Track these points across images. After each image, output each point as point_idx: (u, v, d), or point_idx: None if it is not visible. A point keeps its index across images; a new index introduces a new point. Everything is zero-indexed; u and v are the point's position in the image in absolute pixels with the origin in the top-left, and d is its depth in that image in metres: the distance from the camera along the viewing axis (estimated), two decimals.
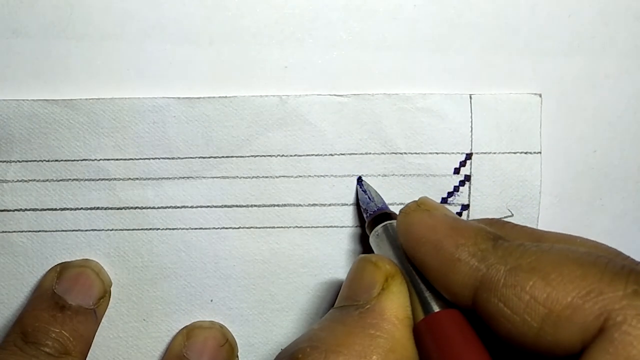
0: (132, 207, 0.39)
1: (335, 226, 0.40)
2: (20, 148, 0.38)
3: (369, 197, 0.38)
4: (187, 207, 0.39)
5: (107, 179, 0.39)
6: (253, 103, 0.38)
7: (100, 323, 0.39)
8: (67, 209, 0.39)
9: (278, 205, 0.39)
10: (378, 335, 0.27)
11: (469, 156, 0.39)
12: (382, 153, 0.39)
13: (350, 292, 0.30)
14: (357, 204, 0.39)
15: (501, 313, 0.25)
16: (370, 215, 0.36)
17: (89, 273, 0.38)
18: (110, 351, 0.40)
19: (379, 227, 0.35)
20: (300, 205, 0.39)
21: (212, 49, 0.38)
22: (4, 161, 0.38)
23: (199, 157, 0.39)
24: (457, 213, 0.40)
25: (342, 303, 0.30)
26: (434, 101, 0.39)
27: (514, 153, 0.39)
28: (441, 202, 0.40)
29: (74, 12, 0.38)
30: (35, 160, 0.38)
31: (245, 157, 0.39)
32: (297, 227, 0.39)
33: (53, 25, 0.38)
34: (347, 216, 0.40)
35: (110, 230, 0.39)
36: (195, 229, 0.39)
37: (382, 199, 0.38)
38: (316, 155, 0.39)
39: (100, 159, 0.39)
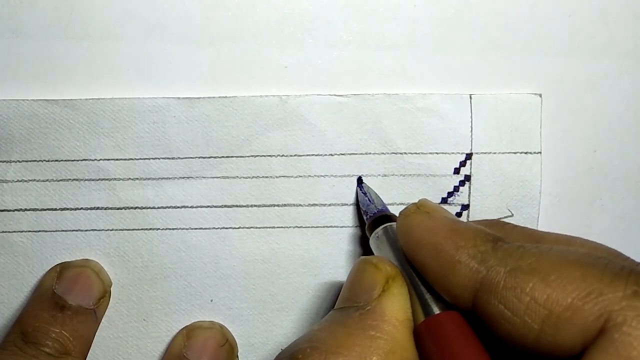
0: (132, 207, 0.39)
1: (335, 226, 0.40)
2: (20, 148, 0.38)
3: (369, 199, 0.38)
4: (187, 207, 0.39)
5: (107, 179, 0.39)
6: (253, 103, 0.38)
7: (100, 323, 0.39)
8: (67, 209, 0.39)
9: (278, 205, 0.39)
10: (378, 336, 0.27)
11: (469, 156, 0.39)
12: (382, 153, 0.39)
13: (350, 294, 0.30)
14: (357, 205, 0.39)
15: (501, 315, 0.25)
16: (370, 218, 0.36)
17: (89, 273, 0.38)
18: (110, 351, 0.40)
19: (379, 229, 0.35)
20: (300, 205, 0.39)
21: (212, 49, 0.38)
22: (4, 161, 0.38)
23: (199, 157, 0.39)
24: (457, 213, 0.40)
25: (342, 304, 0.30)
26: (434, 101, 0.39)
27: (514, 153, 0.39)
28: (441, 202, 0.40)
29: (74, 12, 0.38)
30: (35, 160, 0.38)
31: (245, 157, 0.39)
32: (297, 227, 0.39)
33: (53, 25, 0.38)
34: (347, 216, 0.40)
35: (110, 230, 0.39)
36: (195, 229, 0.39)
37: (382, 201, 0.38)
38: (316, 155, 0.39)
39: (100, 159, 0.39)
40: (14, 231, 0.39)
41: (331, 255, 0.40)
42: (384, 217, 0.36)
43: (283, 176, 0.39)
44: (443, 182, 0.40)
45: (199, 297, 0.40)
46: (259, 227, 0.39)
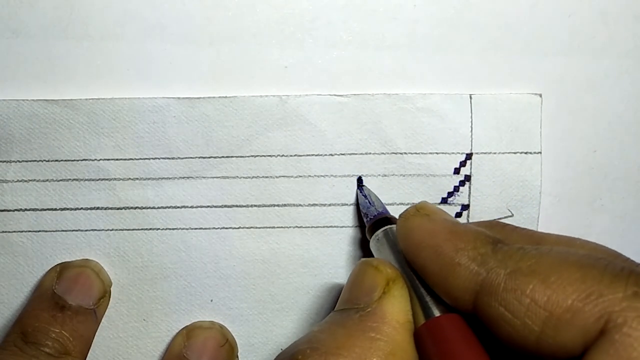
0: (132, 207, 0.39)
1: (335, 226, 0.40)
2: (20, 148, 0.38)
3: (369, 202, 0.38)
4: (187, 207, 0.39)
5: (107, 179, 0.39)
6: (253, 103, 0.38)
7: (100, 323, 0.39)
8: (67, 209, 0.39)
9: (278, 205, 0.39)
10: (378, 338, 0.27)
11: (469, 156, 0.39)
12: (382, 153, 0.39)
13: (351, 296, 0.30)
14: (358, 207, 0.39)
15: (502, 317, 0.25)
16: (370, 220, 0.36)
17: (89, 273, 0.38)
18: (110, 351, 0.40)
19: (379, 232, 0.35)
20: (300, 205, 0.39)
21: (212, 49, 0.38)
22: (4, 161, 0.38)
23: (199, 157, 0.39)
24: (457, 213, 0.40)
25: (342, 306, 0.30)
26: (434, 101, 0.39)
27: (514, 153, 0.39)
28: (441, 202, 0.40)
29: (74, 12, 0.38)
30: (35, 160, 0.38)
31: (245, 157, 0.39)
32: (297, 227, 0.39)
33: (53, 25, 0.38)
34: (347, 216, 0.40)
35: (110, 230, 0.39)
36: (195, 229, 0.39)
37: (382, 203, 0.38)
38: (316, 155, 0.39)
39: (100, 159, 0.39)
40: (14, 231, 0.39)
41: (331, 255, 0.40)
42: (384, 219, 0.36)
43: (283, 176, 0.39)
44: (443, 182, 0.40)
45: (199, 297, 0.40)
46: (259, 227, 0.39)
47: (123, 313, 0.40)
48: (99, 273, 0.39)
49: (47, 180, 0.39)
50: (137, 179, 0.39)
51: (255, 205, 0.39)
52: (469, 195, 0.40)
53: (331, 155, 0.39)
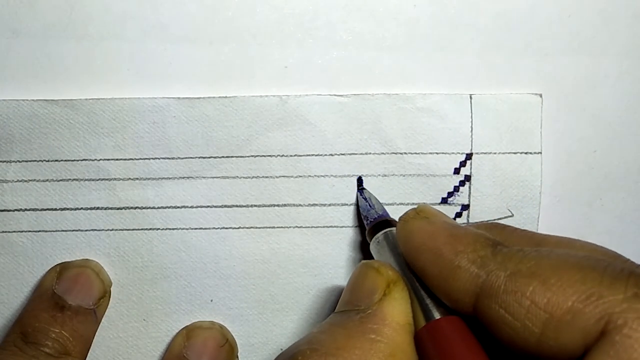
0: (132, 207, 0.39)
1: (335, 226, 0.40)
2: (20, 148, 0.38)
3: (369, 205, 0.38)
4: (187, 207, 0.39)
5: (107, 179, 0.39)
6: (253, 103, 0.38)
7: (100, 323, 0.39)
8: (67, 209, 0.39)
9: (278, 205, 0.39)
10: (378, 340, 0.27)
11: (469, 156, 0.39)
12: (382, 153, 0.39)
13: (351, 297, 0.30)
14: (358, 209, 0.39)
15: (502, 319, 0.25)
16: (370, 223, 0.36)
17: (89, 273, 0.38)
18: (110, 351, 0.40)
19: (379, 235, 0.35)
20: (300, 205, 0.39)
21: (212, 49, 0.38)
22: (4, 161, 0.38)
23: (199, 157, 0.39)
24: (457, 213, 0.40)
25: (343, 308, 0.30)
26: (434, 101, 0.39)
27: (514, 153, 0.39)
28: (441, 202, 0.40)
29: (74, 12, 0.38)
30: (35, 160, 0.38)
31: (245, 157, 0.39)
32: (297, 227, 0.39)
33: (53, 25, 0.38)
34: (347, 216, 0.40)
35: (110, 230, 0.39)
36: (195, 229, 0.39)
37: (382, 206, 0.38)
38: (316, 155, 0.39)
39: (100, 159, 0.39)
40: (14, 231, 0.39)
41: (331, 255, 0.40)
42: (384, 222, 0.36)
43: (283, 176, 0.39)
44: (443, 182, 0.40)
45: (199, 297, 0.40)
46: (259, 227, 0.39)
47: (123, 313, 0.40)
48: (99, 273, 0.39)
49: (47, 180, 0.39)
50: (137, 179, 0.39)
51: (255, 205, 0.39)
52: (469, 195, 0.40)
53: (331, 155, 0.39)
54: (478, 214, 0.40)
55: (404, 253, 0.31)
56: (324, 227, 0.40)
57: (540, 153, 0.39)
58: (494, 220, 0.40)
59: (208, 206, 0.39)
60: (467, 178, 0.39)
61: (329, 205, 0.39)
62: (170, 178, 0.39)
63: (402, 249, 0.31)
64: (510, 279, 0.25)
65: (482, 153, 0.39)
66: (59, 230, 0.39)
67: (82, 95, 0.38)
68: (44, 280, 0.38)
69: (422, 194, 0.40)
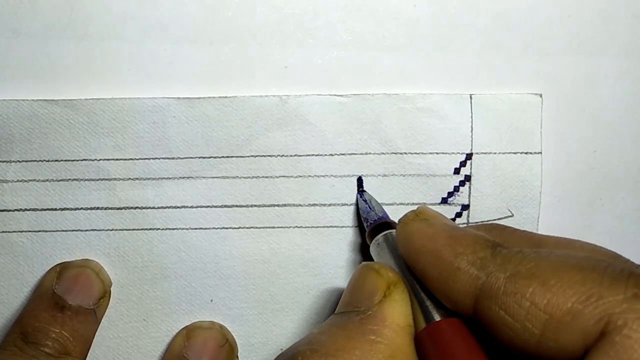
0: (132, 207, 0.39)
1: (335, 226, 0.40)
2: (20, 148, 0.38)
3: (369, 207, 0.38)
4: (187, 207, 0.39)
5: (107, 179, 0.39)
6: (253, 103, 0.38)
7: (100, 323, 0.39)
8: (67, 209, 0.39)
9: (278, 205, 0.39)
10: (378, 341, 0.27)
11: (469, 156, 0.39)
12: (382, 153, 0.39)
13: (351, 299, 0.30)
14: (358, 211, 0.39)
15: (502, 321, 0.25)
16: (370, 225, 0.36)
17: (89, 273, 0.38)
18: (110, 351, 0.40)
19: (379, 237, 0.35)
20: (300, 205, 0.39)
21: (212, 49, 0.38)
22: (4, 161, 0.38)
23: (199, 157, 0.39)
24: (457, 213, 0.40)
25: (343, 309, 0.30)
26: (434, 101, 0.39)
27: (514, 153, 0.39)
28: (441, 202, 0.40)
29: (74, 12, 0.38)
30: (35, 160, 0.38)
31: (245, 157, 0.39)
32: (297, 227, 0.39)
33: (53, 25, 0.38)
34: (347, 216, 0.40)
35: (110, 230, 0.39)
36: (195, 229, 0.39)
37: (382, 208, 0.38)
38: (316, 155, 0.39)
39: (100, 159, 0.39)
40: (14, 231, 0.39)
41: (331, 255, 0.40)
42: (384, 224, 0.36)
43: (283, 176, 0.39)
44: (443, 182, 0.40)
45: (199, 297, 0.40)
46: (259, 227, 0.39)
47: (123, 313, 0.40)
48: (99, 273, 0.39)
49: (47, 180, 0.39)
50: (137, 179, 0.39)
51: (255, 205, 0.39)
52: (469, 195, 0.40)
53: (331, 155, 0.39)
54: (478, 214, 0.40)
55: (404, 255, 0.31)
56: (324, 227, 0.40)
57: (540, 153, 0.39)
58: (494, 220, 0.40)
59: (208, 206, 0.39)
60: (467, 178, 0.39)
61: (329, 205, 0.39)
62: (170, 178, 0.39)
63: (402, 251, 0.31)
64: (509, 281, 0.25)
65: (482, 153, 0.39)
66: (59, 230, 0.39)
67: (82, 95, 0.38)
68: (44, 280, 0.38)
69: (422, 194, 0.40)
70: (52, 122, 0.38)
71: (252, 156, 0.39)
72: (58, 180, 0.39)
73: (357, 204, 0.39)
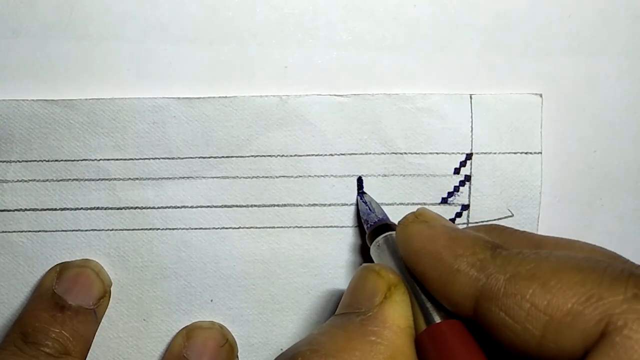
0: (132, 207, 0.39)
1: (335, 226, 0.40)
2: (20, 148, 0.38)
3: (369, 209, 0.38)
4: (187, 207, 0.39)
5: (107, 179, 0.39)
6: (253, 103, 0.38)
7: (100, 323, 0.39)
8: (67, 209, 0.39)
9: (278, 205, 0.39)
10: (379, 342, 0.27)
11: (469, 156, 0.39)
12: (382, 153, 0.39)
13: (352, 300, 0.30)
14: (358, 213, 0.39)
15: (503, 322, 0.25)
16: (371, 227, 0.36)
17: (89, 273, 0.38)
18: (110, 351, 0.40)
19: (379, 238, 0.35)
20: (300, 205, 0.39)
21: (212, 49, 0.38)
22: (4, 161, 0.38)
23: (199, 157, 0.39)
24: (457, 213, 0.40)
25: (343, 310, 0.30)
26: (434, 101, 0.39)
27: (515, 153, 0.39)
28: (441, 202, 0.40)
29: (74, 12, 0.38)
30: (35, 160, 0.38)
31: (245, 157, 0.39)
32: (297, 227, 0.39)
33: (53, 25, 0.38)
34: (347, 216, 0.40)
35: (110, 230, 0.39)
36: (195, 229, 0.39)
37: (382, 210, 0.38)
38: (316, 155, 0.39)
39: (100, 159, 0.39)
40: (14, 231, 0.39)
41: (331, 255, 0.40)
42: (384, 226, 0.36)
43: (283, 176, 0.39)
44: (443, 182, 0.40)
45: (199, 297, 0.40)
46: (259, 227, 0.39)
47: (123, 313, 0.40)
48: (99, 273, 0.39)
49: (47, 180, 0.39)
50: (137, 179, 0.39)
51: (255, 205, 0.39)
52: (469, 196, 0.40)
53: (331, 155, 0.39)
54: (478, 214, 0.40)
55: (404, 257, 0.31)
56: (324, 227, 0.40)
57: (540, 153, 0.39)
58: (494, 220, 0.40)
59: (208, 206, 0.39)
60: (467, 178, 0.39)
61: (329, 205, 0.39)
62: (170, 178, 0.39)
63: (402, 253, 0.31)
64: (509, 282, 0.25)
65: (482, 153, 0.39)
66: (59, 230, 0.39)
67: (82, 95, 0.38)
68: (44, 280, 0.38)
69: (422, 194, 0.40)
70: (52, 122, 0.38)
71: (252, 156, 0.39)
72: (58, 180, 0.39)
73: (357, 206, 0.39)
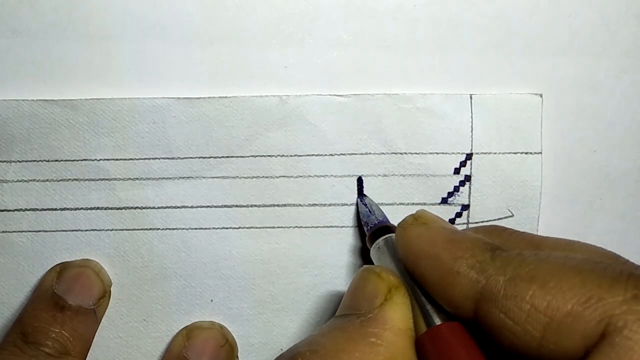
0: (132, 207, 0.39)
1: (335, 226, 0.40)
2: (20, 148, 0.38)
3: (369, 211, 0.38)
4: (187, 207, 0.39)
5: (107, 179, 0.39)
6: (253, 103, 0.38)
7: (100, 323, 0.39)
8: (67, 209, 0.39)
9: (278, 205, 0.39)
10: (379, 343, 0.27)
11: (469, 156, 0.39)
12: (382, 153, 0.39)
13: (352, 302, 0.30)
14: (358, 217, 0.39)
15: (503, 324, 0.25)
16: (371, 229, 0.36)
17: (89, 273, 0.38)
18: (110, 351, 0.40)
19: (379, 241, 0.35)
20: (300, 205, 0.39)
21: (212, 49, 0.38)
22: (4, 161, 0.38)
23: (199, 157, 0.39)
24: (457, 213, 0.40)
25: (343, 311, 0.30)
26: (434, 101, 0.39)
27: (515, 153, 0.39)
28: (441, 202, 0.40)
29: (74, 12, 0.38)
30: (35, 160, 0.38)
31: (245, 157, 0.39)
32: (297, 227, 0.39)
33: (53, 25, 0.38)
34: (347, 216, 0.40)
35: (110, 230, 0.39)
36: (195, 229, 0.39)
37: (382, 212, 0.38)
38: (316, 155, 0.39)
39: (100, 159, 0.39)
40: (14, 231, 0.39)
41: (331, 255, 0.40)
42: (384, 228, 0.36)
43: (283, 176, 0.39)
44: (443, 182, 0.40)
45: (199, 297, 0.40)
46: (259, 227, 0.39)
47: (123, 313, 0.40)
48: (99, 273, 0.39)
49: (47, 180, 0.39)
50: (137, 179, 0.39)
51: (255, 205, 0.39)
52: (469, 196, 0.40)
53: (331, 155, 0.39)
54: (478, 214, 0.40)
55: (404, 259, 0.31)
56: (324, 227, 0.40)
57: (540, 153, 0.39)
58: (494, 220, 0.40)
59: (208, 206, 0.39)
60: (467, 178, 0.39)
61: (329, 205, 0.39)
62: (170, 178, 0.39)
63: (402, 255, 0.31)
64: (509, 284, 0.25)
65: (482, 153, 0.39)
66: (59, 230, 0.39)
67: (82, 95, 0.38)
68: (44, 280, 0.38)
69: (422, 194, 0.40)
70: (52, 122, 0.38)
71: (252, 156, 0.39)
72: (58, 180, 0.39)
73: (357, 208, 0.39)
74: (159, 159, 0.39)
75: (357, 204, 0.39)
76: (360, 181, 0.39)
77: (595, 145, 0.40)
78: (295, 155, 0.39)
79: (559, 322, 0.23)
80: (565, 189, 0.41)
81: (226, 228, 0.39)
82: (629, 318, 0.22)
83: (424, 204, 0.40)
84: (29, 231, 0.39)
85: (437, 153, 0.39)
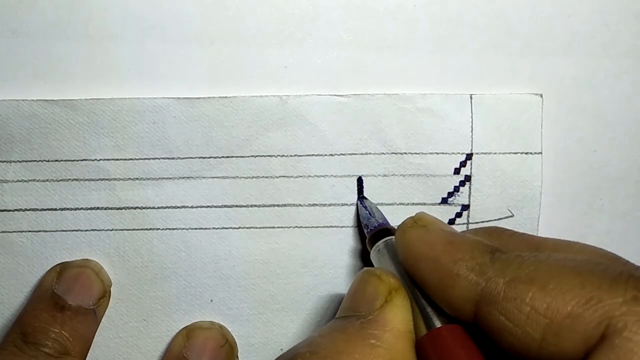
0: (132, 207, 0.39)
1: (335, 226, 0.40)
2: (20, 148, 0.38)
3: (369, 213, 0.38)
4: (187, 207, 0.39)
5: (107, 179, 0.39)
6: (253, 103, 0.38)
7: (100, 323, 0.39)
8: (67, 209, 0.39)
9: (278, 205, 0.39)
10: (379, 345, 0.27)
11: (469, 156, 0.39)
12: (382, 153, 0.39)
13: (352, 303, 0.30)
14: (358, 217, 0.39)
15: (503, 326, 0.25)
16: (371, 231, 0.36)
17: (89, 273, 0.38)
18: (110, 351, 0.40)
19: (379, 243, 0.35)
20: (300, 205, 0.39)
21: (212, 49, 0.38)
22: (4, 161, 0.38)
23: (199, 157, 0.39)
24: (457, 213, 0.40)
25: (344, 313, 0.30)
26: (434, 101, 0.39)
27: (515, 153, 0.39)
28: (441, 202, 0.40)
29: (74, 12, 0.38)
30: (35, 160, 0.38)
31: (245, 157, 0.39)
32: (297, 227, 0.39)
33: (53, 25, 0.38)
34: (347, 216, 0.40)
35: (110, 230, 0.39)
36: (195, 229, 0.39)
37: (382, 214, 0.38)
38: (316, 155, 0.39)
39: (100, 159, 0.39)
40: (14, 231, 0.39)
41: (331, 255, 0.40)
42: (384, 230, 0.36)
43: (283, 176, 0.39)
44: (443, 182, 0.39)
45: (199, 297, 0.40)
46: (259, 227, 0.39)
47: (123, 313, 0.40)
48: (99, 273, 0.39)
49: (47, 180, 0.39)
50: (137, 179, 0.39)
51: (255, 205, 0.39)
52: (469, 196, 0.40)
53: (331, 155, 0.39)
54: (478, 214, 0.40)
55: (403, 262, 0.31)
56: (324, 227, 0.40)
57: (541, 153, 0.39)
58: (494, 220, 0.40)
59: (208, 206, 0.39)
60: (467, 178, 0.39)
61: (329, 205, 0.39)
62: (170, 178, 0.39)
63: (401, 258, 0.31)
64: (509, 286, 0.25)
65: (482, 153, 0.39)
66: (59, 230, 0.39)
67: (82, 95, 0.38)
68: (44, 280, 0.38)
69: (422, 194, 0.40)
70: (52, 122, 0.38)
71: (252, 156, 0.39)
72: (58, 180, 0.39)
73: (357, 211, 0.39)
74: (158, 159, 0.39)
75: (357, 207, 0.39)
76: (360, 181, 0.39)
77: (595, 145, 0.40)
78: (295, 155, 0.39)
79: (559, 323, 0.23)
80: (565, 189, 0.41)
81: (226, 228, 0.39)
82: (629, 319, 0.22)
83: (424, 204, 0.40)
84: (29, 231, 0.39)
85: (437, 153, 0.39)
